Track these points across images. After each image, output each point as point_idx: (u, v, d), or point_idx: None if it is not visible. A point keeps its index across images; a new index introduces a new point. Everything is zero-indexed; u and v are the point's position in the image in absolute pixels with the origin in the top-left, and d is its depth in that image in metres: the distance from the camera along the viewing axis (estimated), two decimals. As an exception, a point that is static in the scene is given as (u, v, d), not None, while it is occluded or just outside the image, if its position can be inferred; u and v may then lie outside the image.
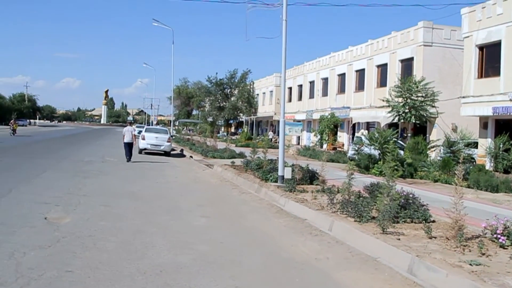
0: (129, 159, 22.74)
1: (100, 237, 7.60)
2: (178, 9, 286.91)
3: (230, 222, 9.92)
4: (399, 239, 7.80)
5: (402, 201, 9.48)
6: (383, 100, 31.25)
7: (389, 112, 30.55)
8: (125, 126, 25.39)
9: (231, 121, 68.16)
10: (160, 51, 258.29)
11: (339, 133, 44.57)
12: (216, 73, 62.92)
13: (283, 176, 14.56)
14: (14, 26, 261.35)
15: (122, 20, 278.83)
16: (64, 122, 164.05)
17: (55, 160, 20.93)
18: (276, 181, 14.85)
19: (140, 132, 32.39)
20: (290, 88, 56.64)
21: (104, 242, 7.31)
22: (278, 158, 15.78)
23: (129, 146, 23.18)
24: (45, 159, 21.04)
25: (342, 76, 45.46)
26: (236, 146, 38.21)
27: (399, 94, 29.62)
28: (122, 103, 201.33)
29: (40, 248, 6.72)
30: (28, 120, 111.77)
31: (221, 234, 8.56)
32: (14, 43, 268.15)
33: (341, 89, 45.46)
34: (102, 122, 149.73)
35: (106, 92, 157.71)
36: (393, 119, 30.81)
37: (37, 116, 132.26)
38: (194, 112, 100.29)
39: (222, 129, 70.11)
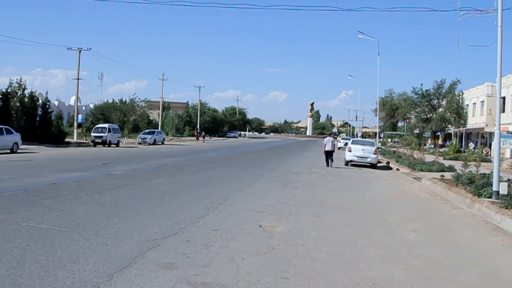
0: (329, 165, 24.87)
1: (312, 246, 7.76)
2: (383, 19, 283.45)
3: (442, 238, 9.38)
4: None
5: None
6: None
7: None
8: (325, 136, 27.93)
9: (439, 133, 65.17)
10: (365, 62, 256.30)
11: (560, 146, 39.44)
12: (421, 84, 61.00)
13: (498, 192, 13.37)
14: (230, 44, 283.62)
15: (327, 34, 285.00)
16: (272, 134, 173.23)
17: (266, 170, 22.23)
18: (490, 197, 13.68)
19: (346, 144, 32.79)
20: (504, 98, 51.58)
21: (316, 252, 7.44)
22: (491, 172, 14.72)
23: (330, 154, 25.84)
24: (257, 170, 22.47)
25: (563, 84, 40.11)
26: (444, 159, 36.20)
27: None
28: (327, 115, 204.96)
29: (257, 254, 7.09)
30: (239, 132, 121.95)
31: (433, 250, 8.15)
32: (229, 60, 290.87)
33: (562, 98, 40.09)
34: (307, 134, 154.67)
35: (312, 104, 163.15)
36: None
37: (247, 128, 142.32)
38: (399, 124, 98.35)
39: (429, 141, 67.46)
